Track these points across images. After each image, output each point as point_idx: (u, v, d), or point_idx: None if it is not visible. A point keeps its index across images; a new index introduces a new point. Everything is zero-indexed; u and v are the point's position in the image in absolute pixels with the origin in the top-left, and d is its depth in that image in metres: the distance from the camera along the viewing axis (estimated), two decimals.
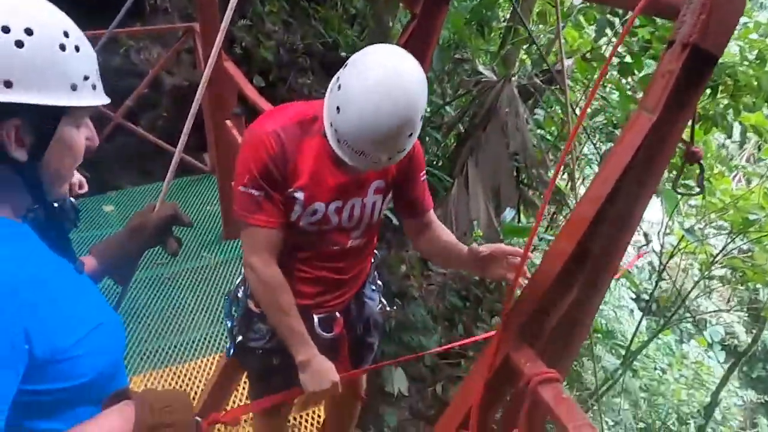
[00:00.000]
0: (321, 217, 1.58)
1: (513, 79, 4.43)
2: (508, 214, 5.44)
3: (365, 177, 1.60)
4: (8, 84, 0.80)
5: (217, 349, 3.21)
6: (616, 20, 4.57)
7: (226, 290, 3.59)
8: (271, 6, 4.89)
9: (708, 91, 4.47)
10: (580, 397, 6.86)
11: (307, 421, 2.87)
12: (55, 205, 0.98)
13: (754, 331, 9.35)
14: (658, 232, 7.85)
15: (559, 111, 5.65)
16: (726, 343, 11.71)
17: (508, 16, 6.03)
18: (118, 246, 1.24)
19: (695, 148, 1.24)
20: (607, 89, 5.98)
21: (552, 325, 1.32)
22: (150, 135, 4.25)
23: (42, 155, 0.87)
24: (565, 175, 6.08)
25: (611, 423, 7.55)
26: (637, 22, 3.97)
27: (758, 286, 8.51)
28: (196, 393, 2.88)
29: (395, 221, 4.77)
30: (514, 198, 4.62)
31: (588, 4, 4.96)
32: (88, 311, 0.96)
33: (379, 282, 1.99)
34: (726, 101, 4.62)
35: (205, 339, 3.28)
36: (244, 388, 2.86)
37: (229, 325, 1.85)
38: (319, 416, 2.86)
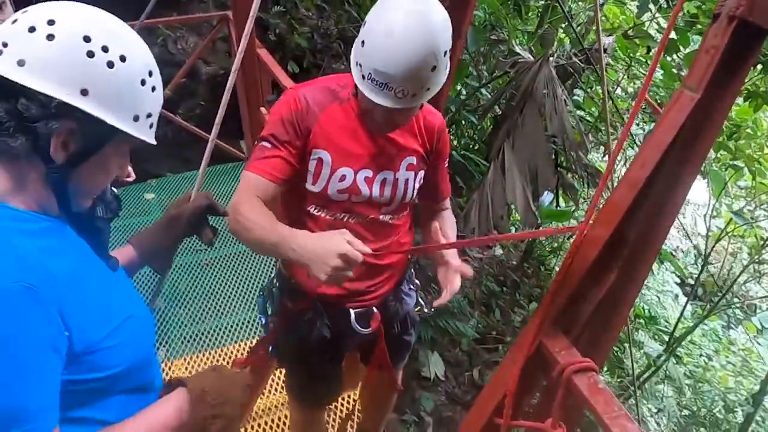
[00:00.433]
0: (350, 184, 1.55)
1: (551, 59, 4.30)
2: (546, 197, 5.33)
3: (397, 150, 1.58)
4: (84, 92, 0.87)
5: (254, 334, 3.26)
6: None
7: (262, 275, 3.68)
8: None
9: (759, 66, 4.25)
10: (621, 384, 6.73)
11: (340, 410, 2.90)
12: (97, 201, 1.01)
13: None
14: (705, 215, 7.58)
15: (600, 91, 5.47)
16: None
17: None
18: (156, 236, 1.28)
19: None
20: (647, 65, 5.75)
21: (587, 313, 1.28)
22: (188, 123, 4.32)
23: (78, 165, 0.92)
24: (606, 158, 5.91)
25: (654, 410, 7.40)
26: None
27: None
28: None
29: None
30: (552, 181, 4.52)
31: None
32: (119, 304, 1.00)
33: (417, 281, 1.96)
34: None
35: (242, 324, 3.35)
36: (278, 376, 2.91)
37: (263, 321, 1.85)
38: (355, 400, 2.89)
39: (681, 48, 4.50)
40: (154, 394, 1.08)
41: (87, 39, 0.86)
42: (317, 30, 4.90)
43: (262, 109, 3.58)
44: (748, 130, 5.65)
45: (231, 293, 3.57)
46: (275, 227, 1.39)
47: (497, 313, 5.20)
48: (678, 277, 9.79)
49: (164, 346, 3.12)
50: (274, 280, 1.84)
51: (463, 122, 5.47)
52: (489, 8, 4.93)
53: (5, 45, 0.84)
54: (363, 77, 1.38)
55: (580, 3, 6.14)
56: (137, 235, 1.29)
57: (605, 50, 4.47)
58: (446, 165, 1.75)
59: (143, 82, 0.94)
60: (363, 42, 1.36)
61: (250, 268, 3.78)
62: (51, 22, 0.85)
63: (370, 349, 1.86)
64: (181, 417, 0.98)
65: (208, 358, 3.08)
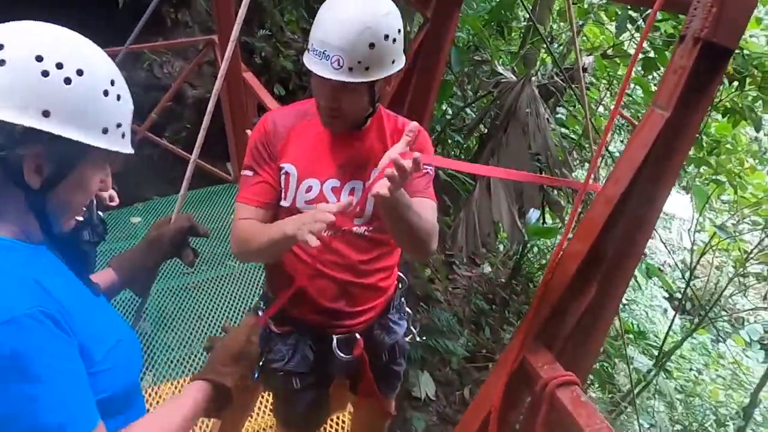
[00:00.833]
0: (316, 195, 1.56)
1: (533, 79, 4.39)
2: (533, 215, 5.38)
3: (366, 159, 1.57)
4: (46, 114, 0.84)
5: None
6: (638, 16, 4.49)
7: (250, 298, 3.66)
8: (289, 15, 4.95)
9: (735, 83, 4.36)
10: (612, 399, 6.73)
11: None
12: (76, 220, 1.01)
13: None
14: (689, 230, 7.67)
15: (583, 109, 5.57)
16: (765, 342, 11.35)
17: (527, 15, 5.98)
18: (136, 258, 1.28)
19: None
20: (631, 86, 5.88)
21: (569, 327, 1.30)
22: (174, 146, 4.33)
23: (55, 186, 0.90)
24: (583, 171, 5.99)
25: (646, 425, 7.39)
26: (659, 16, 3.90)
27: None
28: None
29: None
30: (537, 199, 4.57)
31: (608, 1, 4.90)
32: (108, 328, 1.00)
33: (408, 310, 1.93)
34: (754, 93, 4.49)
35: None
36: (266, 398, 2.88)
37: None
38: (343, 422, 2.87)
39: (660, 66, 4.61)
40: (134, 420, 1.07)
41: (39, 58, 0.84)
42: (303, 52, 4.96)
43: (248, 132, 3.60)
44: (728, 146, 5.77)
45: (218, 316, 3.54)
46: (266, 228, 1.51)
47: (487, 331, 5.20)
48: (666, 291, 9.85)
49: (151, 371, 3.09)
50: (261, 303, 1.85)
51: (449, 141, 5.53)
52: (472, 30, 5.03)
53: None
54: (308, 51, 1.45)
55: (561, 24, 6.27)
56: (117, 257, 1.28)
57: (586, 69, 4.56)
58: (425, 172, 1.60)
59: (106, 93, 0.91)
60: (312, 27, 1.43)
61: (237, 290, 3.76)
62: (0, 47, 0.83)
63: (357, 376, 1.84)
64: (196, 407, 1.04)
65: None
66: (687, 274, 7.51)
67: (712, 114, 5.07)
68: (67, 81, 0.86)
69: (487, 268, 6.24)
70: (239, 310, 3.60)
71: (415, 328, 1.96)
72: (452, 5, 2.10)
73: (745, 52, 4.13)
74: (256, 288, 3.77)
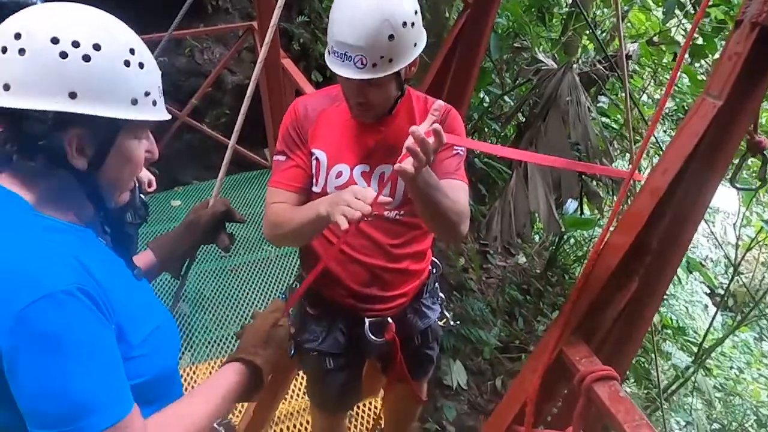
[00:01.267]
0: (346, 180, 1.57)
1: (574, 66, 4.28)
2: (570, 205, 5.28)
3: (394, 143, 1.53)
4: (73, 95, 0.84)
5: None
6: (686, 0, 4.33)
7: (285, 281, 3.71)
8: (328, 2, 4.94)
9: None
10: (648, 395, 6.60)
11: (364, 418, 2.90)
12: (121, 207, 1.02)
13: None
14: (735, 224, 7.41)
15: (625, 98, 5.41)
16: None
17: (570, 1, 5.83)
18: (174, 241, 1.29)
19: (760, 137, 1.16)
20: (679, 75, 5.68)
21: (609, 321, 1.27)
22: (214, 132, 4.40)
23: (101, 165, 0.91)
24: (630, 165, 5.84)
25: (682, 423, 7.23)
26: (710, 1, 3.75)
27: None
28: None
29: None
30: (575, 189, 4.48)
31: None
32: (147, 313, 1.00)
33: (442, 295, 1.93)
34: None
35: None
36: (303, 377, 2.93)
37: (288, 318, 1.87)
38: (376, 407, 2.89)
39: (708, 54, 4.44)
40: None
41: (55, 40, 0.83)
42: None
43: None
44: None
45: (255, 299, 3.61)
46: (299, 209, 1.52)
47: (520, 321, 5.15)
48: (707, 287, 9.58)
49: (189, 351, 3.17)
50: (296, 284, 1.87)
51: (486, 129, 5.46)
52: (512, 16, 4.93)
53: None
54: (328, 53, 1.44)
55: (605, 10, 6.09)
56: (155, 239, 1.30)
57: (630, 57, 4.43)
58: (455, 152, 1.58)
59: (127, 63, 0.89)
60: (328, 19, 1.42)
61: (274, 274, 3.82)
62: (17, 36, 0.83)
63: (389, 360, 1.86)
64: (232, 386, 1.05)
65: None
66: (731, 270, 7.28)
67: (764, 104, 4.87)
68: (86, 58, 0.85)
69: (522, 259, 6.17)
70: (275, 293, 3.66)
71: (449, 314, 1.95)
72: None
73: None
74: (292, 272, 3.82)
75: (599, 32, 5.87)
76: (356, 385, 1.94)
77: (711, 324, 6.78)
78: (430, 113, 1.24)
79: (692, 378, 6.85)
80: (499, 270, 5.65)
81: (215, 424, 1.04)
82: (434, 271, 1.87)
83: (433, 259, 1.87)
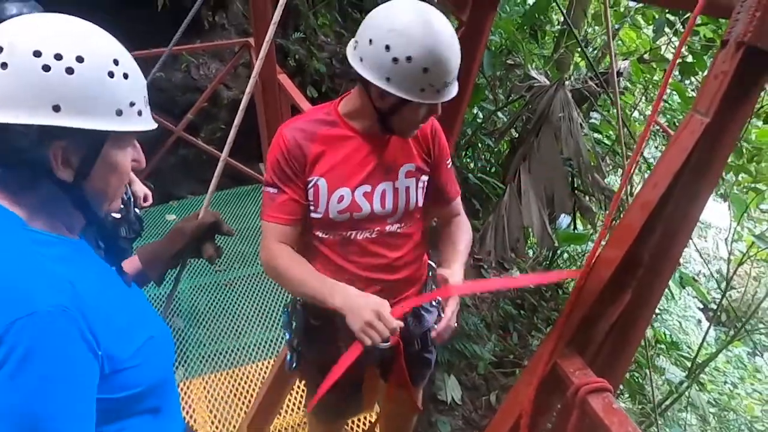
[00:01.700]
0: (349, 203, 1.58)
1: (566, 83, 4.34)
2: (564, 220, 5.32)
3: (393, 159, 1.60)
4: (56, 108, 0.84)
5: (272, 353, 3.29)
6: (676, 19, 4.41)
7: (280, 296, 3.71)
8: (323, 18, 5.00)
9: None
10: (642, 410, 6.59)
11: (359, 428, 2.89)
12: (113, 217, 1.03)
13: None
14: (726, 239, 7.47)
15: (615, 114, 5.48)
16: None
17: (561, 19, 5.92)
18: (158, 247, 1.29)
19: None
20: (667, 91, 5.76)
21: (602, 334, 1.29)
22: (209, 146, 4.42)
23: (87, 176, 0.91)
24: (618, 178, 5.89)
25: None
26: (699, 20, 3.82)
27: None
28: (251, 396, 2.96)
29: None
30: (568, 204, 4.51)
31: (645, 4, 4.81)
32: (140, 324, 1.00)
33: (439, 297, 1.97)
34: None
35: (260, 343, 3.37)
36: (298, 392, 2.92)
37: (288, 336, 1.87)
38: (370, 420, 2.88)
39: (698, 71, 4.51)
40: (167, 416, 1.07)
41: (37, 54, 0.82)
42: (336, 55, 5.01)
43: None
44: None
45: (250, 313, 3.61)
46: (315, 275, 1.54)
47: (515, 336, 5.16)
48: (700, 302, 9.61)
49: (183, 366, 3.16)
50: (297, 298, 1.87)
51: (480, 145, 5.51)
52: (505, 33, 5.00)
53: None
54: (388, 79, 1.38)
55: (596, 28, 6.19)
56: (144, 245, 1.31)
57: (621, 74, 4.50)
58: (449, 166, 1.74)
59: (111, 74, 0.88)
60: (387, 47, 1.35)
61: (269, 289, 3.82)
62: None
63: (389, 365, 1.87)
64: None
65: (226, 378, 3.10)
66: (723, 285, 7.32)
67: (753, 120, 4.94)
68: (69, 71, 0.84)
69: (516, 273, 6.19)
70: (269, 307, 3.65)
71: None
72: (488, 8, 2.10)
73: None
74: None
75: (591, 49, 5.96)
76: (358, 394, 1.96)
77: (704, 339, 6.80)
78: (447, 308, 1.53)
79: (686, 393, 6.85)
80: None
81: None
82: (430, 273, 1.89)
83: (430, 262, 1.89)
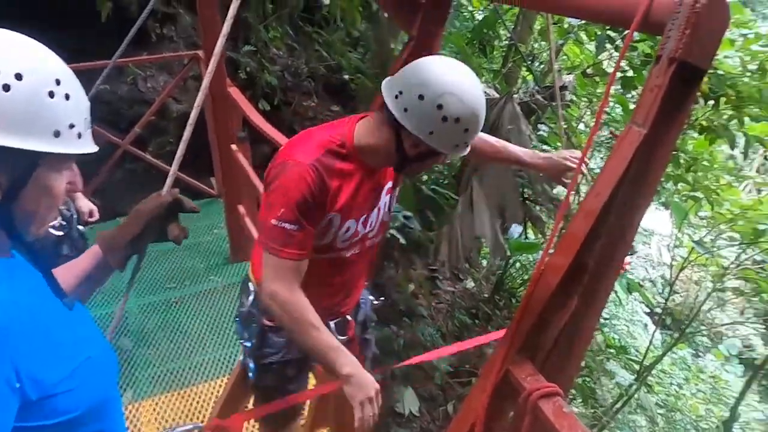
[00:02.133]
0: (353, 232, 1.65)
1: (515, 96, 4.46)
2: (515, 230, 5.43)
3: (381, 183, 1.69)
4: None
5: (226, 371, 3.21)
6: (617, 35, 4.61)
7: (233, 312, 3.64)
8: (275, 32, 4.98)
9: (711, 102, 4.48)
10: (595, 414, 6.75)
11: None
12: (55, 235, 0.99)
13: None
14: (668, 245, 7.79)
15: (564, 126, 5.67)
16: (744, 356, 11.52)
17: (509, 34, 6.09)
18: (118, 230, 1.22)
19: None
20: (611, 104, 6.00)
21: (551, 339, 1.32)
22: (157, 161, 4.32)
23: (16, 197, 0.86)
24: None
25: None
26: (637, 36, 4.01)
27: None
28: (204, 416, 2.88)
29: (402, 240, 4.79)
30: (519, 214, 4.62)
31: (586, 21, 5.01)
32: (76, 345, 0.95)
33: (365, 282, 2.09)
34: (729, 112, 4.62)
35: (213, 362, 3.29)
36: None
37: (248, 345, 1.85)
38: None
39: (638, 85, 4.72)
40: None
41: None
42: (288, 69, 4.99)
43: (233, 146, 3.61)
44: (705, 163, 5.89)
45: (202, 331, 3.51)
46: (328, 335, 1.54)
47: None
48: (647, 306, 9.97)
49: (131, 387, 3.04)
50: (250, 304, 1.85)
51: None
52: (455, 48, 5.10)
53: None
54: (439, 140, 1.45)
55: (542, 43, 6.40)
56: (103, 231, 1.24)
57: (566, 88, 4.66)
58: None
59: (51, 94, 0.85)
60: (440, 106, 1.41)
61: (222, 305, 3.74)
62: None
63: None
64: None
65: (178, 398, 3.01)
66: (667, 289, 7.62)
67: (690, 132, 5.19)
68: (6, 88, 0.80)
69: (470, 283, 6.27)
70: (222, 325, 3.57)
71: (374, 298, 2.13)
72: (437, 24, 2.14)
73: (720, 72, 4.25)
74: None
75: (538, 64, 6.15)
76: (306, 387, 2.07)
77: (650, 342, 7.05)
78: None
79: (635, 395, 7.06)
80: (448, 295, 5.72)
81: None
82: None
83: None
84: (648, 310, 10.23)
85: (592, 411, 6.57)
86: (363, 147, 1.55)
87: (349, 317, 1.89)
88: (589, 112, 6.74)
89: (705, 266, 7.67)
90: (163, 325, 3.52)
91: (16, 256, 0.94)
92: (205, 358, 3.31)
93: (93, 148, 0.93)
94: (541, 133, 5.87)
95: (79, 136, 0.90)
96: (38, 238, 0.95)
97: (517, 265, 6.56)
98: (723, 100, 4.37)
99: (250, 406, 2.71)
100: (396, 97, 1.46)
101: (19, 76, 0.81)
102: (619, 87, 5.14)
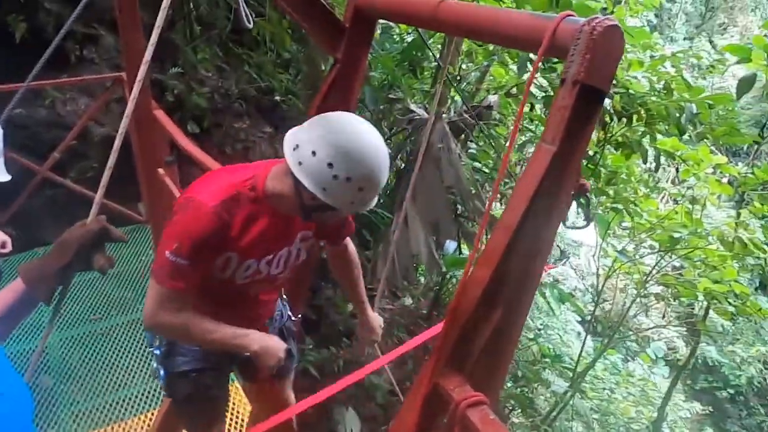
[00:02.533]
0: (254, 270, 1.67)
1: (444, 116, 4.60)
2: (450, 245, 5.55)
3: (293, 228, 1.70)
4: None
5: (157, 403, 3.09)
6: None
7: None
8: (203, 53, 4.92)
9: (624, 120, 4.78)
10: (533, 423, 6.91)
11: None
12: None
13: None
14: (594, 255, 8.16)
15: (492, 144, 5.88)
16: (669, 358, 12.16)
17: (438, 55, 6.28)
18: (43, 262, 1.18)
19: (583, 180, 1.34)
20: (536, 123, 6.28)
21: (477, 350, 1.36)
22: (79, 186, 4.14)
23: None
24: (501, 204, 6.28)
25: None
26: (556, 59, 4.25)
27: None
28: None
29: None
30: (453, 231, 4.74)
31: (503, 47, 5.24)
32: None
33: (284, 296, 2.15)
34: (642, 129, 4.94)
35: (143, 394, 3.16)
36: None
37: (157, 353, 1.87)
38: None
39: None
40: None
41: None
42: (218, 90, 4.93)
43: (160, 171, 3.52)
44: (623, 176, 6.26)
45: (129, 364, 3.37)
46: (222, 329, 1.62)
47: (410, 363, 5.25)
48: (579, 315, 10.36)
49: (53, 427, 2.87)
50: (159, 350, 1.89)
51: None
52: (386, 69, 5.21)
53: None
54: (332, 197, 1.46)
55: (470, 64, 6.63)
56: (26, 263, 1.19)
57: (491, 107, 4.84)
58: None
59: None
60: (330, 164, 1.42)
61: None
62: None
63: (250, 364, 1.91)
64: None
65: None
66: (596, 298, 7.96)
67: (607, 147, 5.51)
68: None
69: (409, 300, 6.33)
70: (151, 357, 3.43)
71: (291, 312, 2.17)
72: (361, 47, 2.19)
73: (631, 91, 4.55)
74: None
75: (465, 84, 6.36)
76: (227, 393, 2.14)
77: (582, 349, 7.33)
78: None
79: (571, 402, 7.29)
80: (386, 313, 5.74)
81: None
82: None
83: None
84: (580, 319, 10.63)
85: (530, 420, 6.73)
86: (271, 193, 1.58)
87: (266, 324, 1.96)
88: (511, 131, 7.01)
89: (629, 274, 8.07)
90: (88, 359, 3.35)
91: None
92: (134, 391, 3.17)
93: (5, 177, 0.91)
94: (471, 150, 6.06)
95: None
96: None
97: (454, 280, 6.68)
98: (635, 117, 4.68)
99: None
100: (294, 149, 1.47)
101: None
102: (543, 106, 5.40)
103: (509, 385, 6.78)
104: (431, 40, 5.80)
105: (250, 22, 2.15)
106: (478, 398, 1.25)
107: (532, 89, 5.94)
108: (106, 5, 3.99)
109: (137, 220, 4.55)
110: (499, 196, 6.87)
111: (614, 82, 4.27)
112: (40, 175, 3.88)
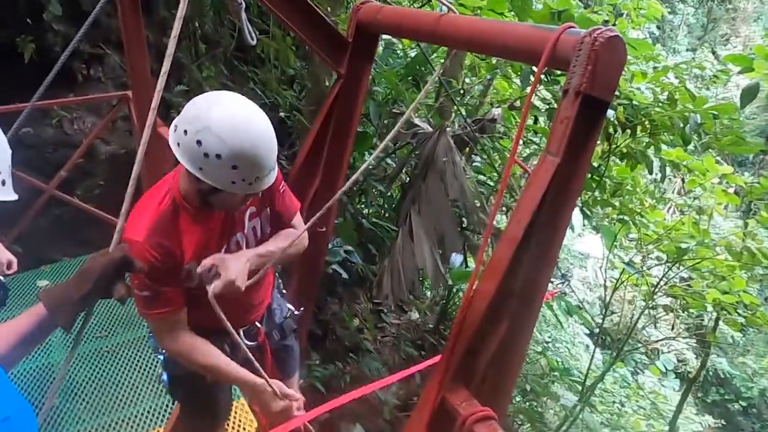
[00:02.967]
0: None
1: (448, 129, 4.60)
2: (456, 259, 5.53)
3: (234, 214, 1.69)
4: None
5: (162, 421, 3.07)
6: None
7: None
8: (208, 71, 4.96)
9: (629, 131, 4.77)
10: None
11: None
12: None
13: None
14: (601, 267, 8.10)
15: (497, 157, 5.88)
16: (679, 371, 12.01)
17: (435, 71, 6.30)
18: (65, 289, 1.19)
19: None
20: (539, 135, 6.28)
21: (484, 364, 1.35)
22: (86, 204, 4.15)
23: None
24: (506, 217, 6.26)
25: None
26: (558, 71, 4.27)
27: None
28: None
29: (345, 275, 4.78)
30: (458, 244, 4.71)
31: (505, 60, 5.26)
32: None
33: (284, 290, 2.18)
34: (646, 139, 4.93)
35: (149, 412, 3.14)
36: None
37: (161, 358, 1.91)
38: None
39: None
40: None
41: None
42: None
43: None
44: (629, 187, 6.23)
45: (135, 381, 3.35)
46: (228, 366, 1.72)
47: (417, 378, 5.21)
48: (587, 328, 10.26)
49: None
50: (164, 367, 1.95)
51: (372, 191, 5.64)
52: (389, 84, 5.23)
53: None
54: (211, 176, 1.43)
55: (473, 78, 6.65)
56: (48, 289, 1.21)
57: (495, 120, 4.85)
58: (282, 191, 1.82)
59: None
60: (199, 143, 1.40)
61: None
62: None
63: (259, 361, 1.91)
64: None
65: None
66: (603, 310, 7.89)
67: (613, 159, 5.50)
68: None
69: (415, 315, 6.30)
70: (158, 373, 3.42)
71: (292, 307, 2.17)
72: (364, 61, 2.21)
73: (635, 102, 4.55)
74: None
75: (469, 97, 6.38)
76: (229, 396, 2.19)
77: (591, 362, 7.24)
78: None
79: (580, 416, 7.20)
80: (393, 328, 5.72)
81: None
82: (276, 274, 2.11)
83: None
84: (588, 332, 10.53)
85: None
86: (185, 194, 1.58)
87: (258, 324, 1.97)
88: (520, 143, 7.03)
89: (637, 286, 8.01)
90: (94, 377, 3.33)
91: None
92: (140, 409, 3.15)
93: (12, 196, 0.93)
94: (476, 164, 6.06)
95: (3, 183, 0.91)
96: None
97: (461, 294, 6.65)
98: (639, 128, 4.67)
99: None
100: (174, 130, 1.47)
101: None
102: (546, 119, 5.40)
103: (518, 399, 6.71)
104: (434, 54, 5.83)
105: (253, 39, 2.17)
106: (486, 413, 1.24)
107: (536, 102, 5.96)
108: (112, 25, 4.05)
109: None
110: (504, 208, 6.87)
111: (617, 93, 4.28)
112: (46, 194, 3.91)
